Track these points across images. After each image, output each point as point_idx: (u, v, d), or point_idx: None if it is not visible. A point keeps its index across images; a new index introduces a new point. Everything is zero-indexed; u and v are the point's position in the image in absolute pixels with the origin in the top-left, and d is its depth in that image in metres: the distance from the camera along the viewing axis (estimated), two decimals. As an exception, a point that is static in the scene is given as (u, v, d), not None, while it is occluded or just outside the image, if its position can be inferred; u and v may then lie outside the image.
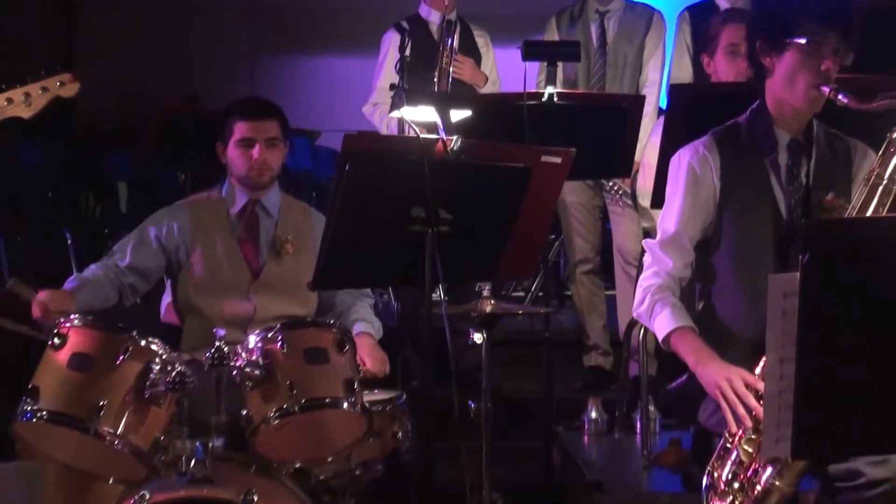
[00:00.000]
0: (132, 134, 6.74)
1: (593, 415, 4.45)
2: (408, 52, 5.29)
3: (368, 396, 3.26)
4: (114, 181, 7.67)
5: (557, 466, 4.30)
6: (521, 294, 6.82)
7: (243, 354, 3.08)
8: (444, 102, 3.28)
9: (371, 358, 3.57)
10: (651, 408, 4.09)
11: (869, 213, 2.69)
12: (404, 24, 5.35)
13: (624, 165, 4.37)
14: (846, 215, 2.77)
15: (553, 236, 6.27)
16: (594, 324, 5.27)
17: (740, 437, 2.67)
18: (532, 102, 4.04)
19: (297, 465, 3.21)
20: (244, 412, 3.07)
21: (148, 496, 2.87)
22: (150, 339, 3.00)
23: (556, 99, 4.11)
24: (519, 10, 8.05)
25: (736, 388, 2.67)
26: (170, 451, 2.99)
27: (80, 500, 3.19)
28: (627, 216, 5.04)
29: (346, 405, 3.09)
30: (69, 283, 3.53)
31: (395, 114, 3.88)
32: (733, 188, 2.95)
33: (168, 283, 3.79)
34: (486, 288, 3.35)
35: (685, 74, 5.08)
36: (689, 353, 2.83)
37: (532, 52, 4.42)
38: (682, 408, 3.08)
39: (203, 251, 3.69)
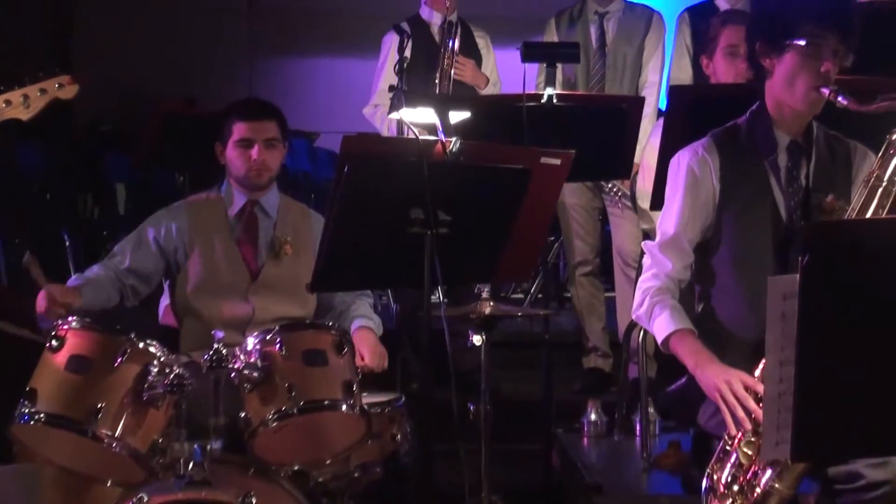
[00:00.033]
0: (131, 135, 6.74)
1: (593, 417, 4.45)
2: (408, 54, 5.30)
3: (367, 398, 3.25)
4: (112, 183, 7.67)
5: (557, 468, 4.29)
6: (521, 296, 6.82)
7: (242, 356, 3.08)
8: (443, 104, 3.27)
9: (370, 353, 3.55)
10: (650, 410, 4.08)
11: (868, 215, 2.69)
12: (404, 25, 5.34)
13: (623, 167, 4.37)
14: (846, 217, 2.77)
15: (552, 238, 6.27)
16: (593, 326, 5.26)
17: (740, 440, 2.67)
18: (531, 104, 4.04)
19: (296, 468, 3.20)
20: (242, 414, 3.06)
21: (146, 499, 2.86)
22: (148, 342, 2.99)
23: (555, 100, 4.11)
24: (518, 12, 8.06)
25: (735, 390, 2.67)
26: (168, 454, 2.98)
27: (78, 502, 3.18)
28: (627, 218, 5.03)
29: (344, 407, 3.08)
30: (72, 282, 3.53)
31: (394, 115, 3.88)
32: (733, 190, 2.94)
33: (166, 285, 3.78)
34: (486, 290, 3.35)
35: (685, 76, 5.08)
36: (688, 356, 2.82)
37: (531, 53, 4.42)
38: (682, 410, 3.07)
39: (202, 252, 3.68)
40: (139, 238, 3.70)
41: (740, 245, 2.94)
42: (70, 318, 3.04)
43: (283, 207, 3.81)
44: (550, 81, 4.29)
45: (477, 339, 3.31)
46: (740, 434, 2.67)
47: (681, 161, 3.01)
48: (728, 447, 2.69)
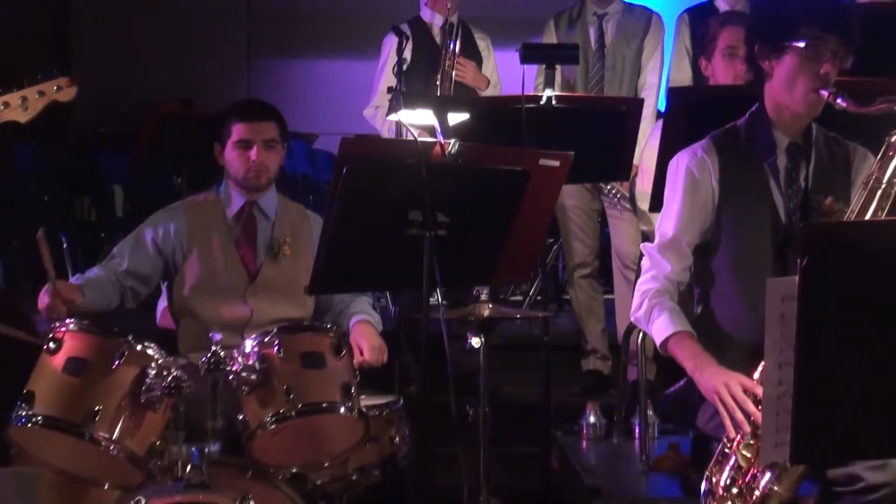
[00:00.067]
0: (129, 137, 6.73)
1: (592, 419, 4.44)
2: (408, 56, 5.31)
3: (365, 401, 3.24)
4: (110, 185, 7.66)
5: (556, 471, 4.29)
6: (520, 298, 6.81)
7: (240, 359, 3.07)
8: (441, 105, 3.27)
9: (368, 347, 3.54)
10: (650, 412, 4.08)
11: (868, 217, 2.69)
12: (404, 27, 5.34)
13: (622, 169, 4.37)
14: (845, 219, 2.76)
15: (551, 240, 6.26)
16: (593, 328, 5.26)
17: (739, 442, 2.66)
18: (530, 105, 4.03)
19: (294, 471, 3.20)
20: (241, 417, 3.06)
21: (144, 501, 2.86)
22: (145, 344, 2.99)
23: (554, 102, 4.10)
24: (518, 13, 8.05)
25: (734, 393, 2.66)
26: (166, 456, 2.97)
27: (76, 505, 3.18)
28: (626, 220, 5.03)
29: (342, 410, 3.08)
30: (73, 282, 3.52)
31: (393, 117, 3.88)
32: (732, 192, 2.94)
33: (164, 287, 3.77)
34: (484, 292, 3.35)
35: (684, 77, 5.08)
36: (686, 358, 2.82)
37: (530, 54, 4.41)
38: (681, 412, 3.07)
39: (200, 253, 3.67)
40: (137, 239, 3.70)
41: (739, 247, 2.93)
42: (68, 321, 3.04)
43: (281, 209, 3.80)
44: (549, 83, 4.29)
45: (476, 342, 3.30)
46: (739, 436, 2.66)
47: (680, 163, 3.00)
48: (727, 450, 2.69)
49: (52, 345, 2.96)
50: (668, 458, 3.90)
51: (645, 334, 3.52)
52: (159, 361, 2.98)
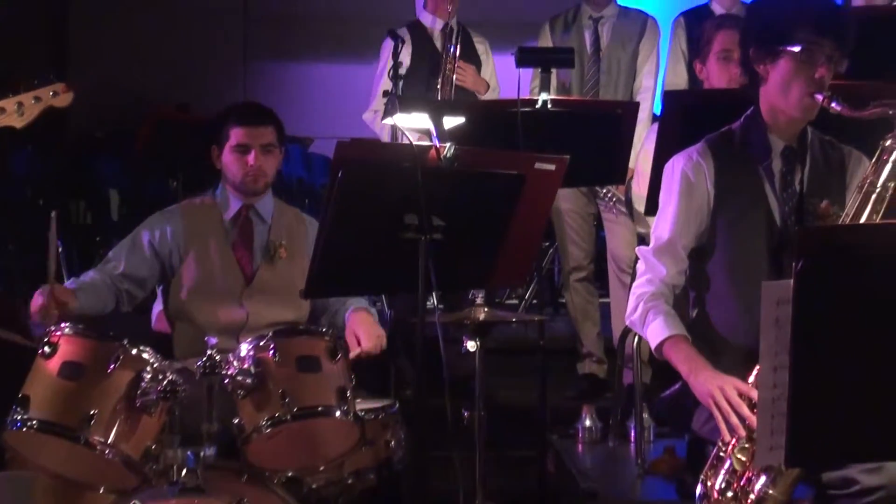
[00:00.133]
0: (124, 141, 6.73)
1: (587, 423, 4.44)
2: (407, 60, 5.32)
3: (361, 405, 3.24)
4: (105, 189, 7.66)
5: (551, 475, 4.28)
6: (515, 302, 6.81)
7: (235, 363, 3.07)
8: (437, 109, 3.27)
9: (365, 335, 3.53)
10: (645, 416, 4.09)
11: (862, 221, 2.69)
12: (402, 31, 5.35)
13: (618, 172, 4.37)
14: (840, 223, 2.76)
15: (547, 244, 6.26)
16: (588, 331, 5.26)
17: (734, 446, 2.66)
18: (526, 109, 4.03)
19: (290, 474, 3.20)
20: (236, 421, 3.05)
21: (139, 505, 2.86)
22: (141, 348, 2.99)
23: (549, 106, 4.10)
24: (513, 17, 8.06)
25: (729, 396, 2.67)
26: (161, 460, 2.97)
27: (71, 509, 3.17)
28: (621, 223, 5.03)
29: (338, 414, 3.08)
30: (68, 286, 3.52)
31: (388, 121, 3.88)
32: (727, 195, 2.94)
33: (160, 291, 3.77)
34: (480, 295, 3.34)
35: (680, 81, 5.09)
36: (681, 362, 2.82)
37: (526, 58, 4.41)
38: (677, 416, 3.07)
39: (196, 256, 3.67)
40: (134, 242, 3.69)
41: (735, 250, 2.93)
42: (63, 325, 3.03)
43: (277, 212, 3.80)
44: (545, 86, 4.29)
45: (471, 345, 3.30)
46: (734, 440, 2.66)
47: (675, 166, 3.01)
48: (722, 453, 2.69)
49: (47, 349, 2.95)
50: (663, 462, 3.90)
51: (641, 338, 3.52)
52: (154, 365, 2.97)
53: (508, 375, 5.02)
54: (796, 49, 2.82)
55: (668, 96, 4.39)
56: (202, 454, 2.91)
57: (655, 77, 5.28)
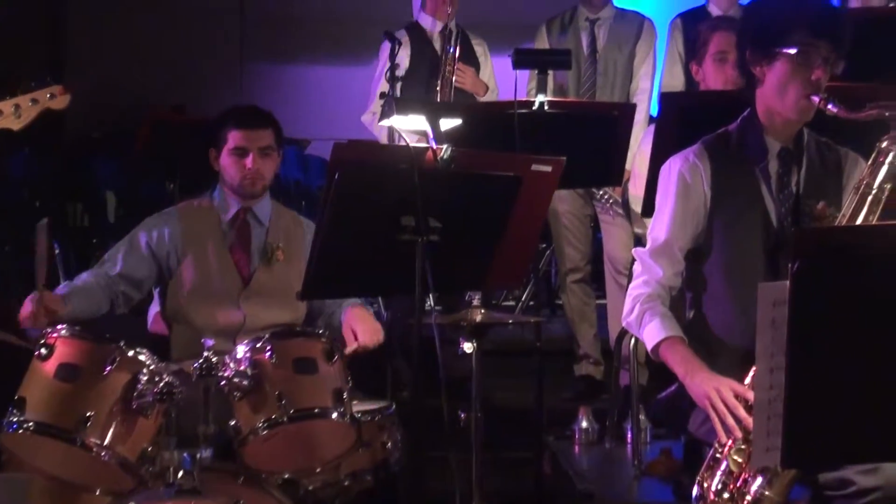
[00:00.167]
0: (121, 142, 6.72)
1: (584, 424, 4.44)
2: (406, 62, 5.32)
3: (357, 406, 3.24)
4: (102, 190, 7.65)
5: (548, 476, 4.28)
6: (512, 303, 6.81)
7: (231, 364, 3.07)
8: (434, 111, 3.27)
9: (362, 329, 3.53)
10: (642, 417, 4.08)
11: (859, 222, 2.69)
12: (400, 33, 5.35)
13: (614, 174, 4.37)
14: (836, 224, 2.77)
15: (544, 245, 6.26)
16: (585, 333, 5.26)
17: (730, 447, 2.66)
18: (523, 111, 4.03)
19: (286, 476, 3.20)
20: (232, 422, 3.05)
21: (135, 507, 2.86)
22: (137, 350, 2.99)
23: (546, 107, 4.10)
24: (511, 18, 8.05)
25: (725, 398, 2.67)
26: (157, 462, 2.97)
27: (67, 511, 3.17)
28: (618, 225, 5.03)
29: (334, 415, 3.08)
30: (60, 290, 3.51)
31: (385, 122, 3.88)
32: (724, 196, 2.94)
33: (156, 292, 3.77)
34: (477, 297, 3.34)
35: (677, 82, 5.09)
36: (678, 364, 2.82)
37: (523, 60, 4.42)
38: (673, 417, 3.07)
39: (194, 258, 3.67)
40: (131, 244, 3.69)
41: (731, 252, 2.94)
42: (59, 326, 3.03)
43: (275, 214, 3.80)
44: (542, 88, 4.30)
45: (468, 347, 3.30)
46: (731, 442, 2.66)
47: (672, 168, 3.01)
48: (718, 455, 2.69)
49: (43, 350, 2.95)
50: (660, 463, 3.90)
51: (637, 339, 3.51)
52: (151, 367, 2.97)
53: (505, 377, 5.02)
54: (792, 51, 2.82)
55: (665, 98, 4.39)
56: (198, 456, 2.91)
57: (652, 79, 5.29)
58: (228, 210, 3.75)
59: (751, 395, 2.60)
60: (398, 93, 5.09)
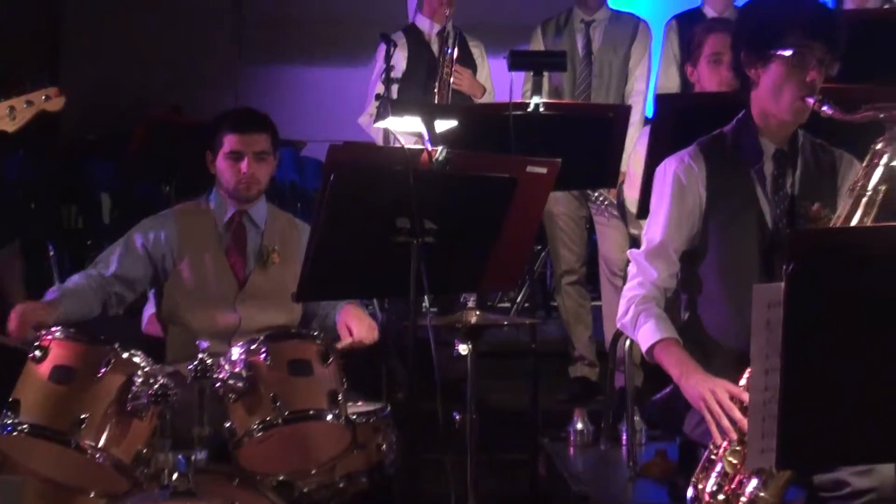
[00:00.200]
0: (116, 144, 6.71)
1: (579, 426, 4.44)
2: (404, 63, 5.32)
3: (352, 408, 3.24)
4: (97, 192, 7.64)
5: (543, 478, 4.28)
6: (507, 305, 6.81)
7: (226, 366, 3.07)
8: (429, 113, 3.27)
9: (357, 325, 3.52)
10: (637, 419, 4.08)
11: (853, 224, 2.70)
12: (397, 35, 5.35)
13: (610, 176, 4.37)
14: (831, 225, 2.77)
15: (539, 247, 6.26)
16: (580, 335, 5.26)
17: (725, 449, 2.66)
18: (518, 112, 4.03)
19: (281, 478, 3.19)
20: (227, 424, 3.05)
21: (130, 509, 2.85)
22: (132, 352, 2.98)
23: (541, 109, 4.10)
24: (508, 19, 8.06)
25: (720, 399, 2.67)
26: (152, 464, 2.97)
27: (62, 513, 3.16)
28: (613, 226, 5.03)
29: (329, 417, 3.07)
30: (50, 294, 3.49)
31: (380, 124, 3.88)
32: (719, 198, 2.95)
33: (151, 294, 3.76)
34: (472, 299, 3.34)
35: (672, 84, 5.10)
36: (672, 365, 2.82)
37: (518, 62, 4.42)
38: (668, 419, 3.07)
39: (191, 261, 3.67)
40: (126, 245, 3.68)
41: (726, 253, 2.94)
42: (54, 329, 3.02)
43: (270, 218, 3.80)
44: (537, 90, 4.29)
45: (463, 349, 3.30)
46: (726, 443, 2.66)
47: (667, 169, 3.01)
48: (713, 456, 2.69)
49: (37, 353, 2.95)
50: (655, 465, 3.90)
51: (632, 341, 3.52)
52: (146, 369, 2.97)
53: (500, 379, 5.02)
54: (787, 53, 2.82)
55: (660, 100, 4.39)
56: (193, 458, 2.91)
57: (647, 80, 5.29)
58: (224, 213, 3.75)
59: (746, 397, 2.60)
60: (394, 95, 5.09)
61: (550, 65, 4.69)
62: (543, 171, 3.15)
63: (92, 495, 3.08)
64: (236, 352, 3.10)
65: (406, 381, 3.48)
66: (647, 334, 2.88)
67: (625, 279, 3.09)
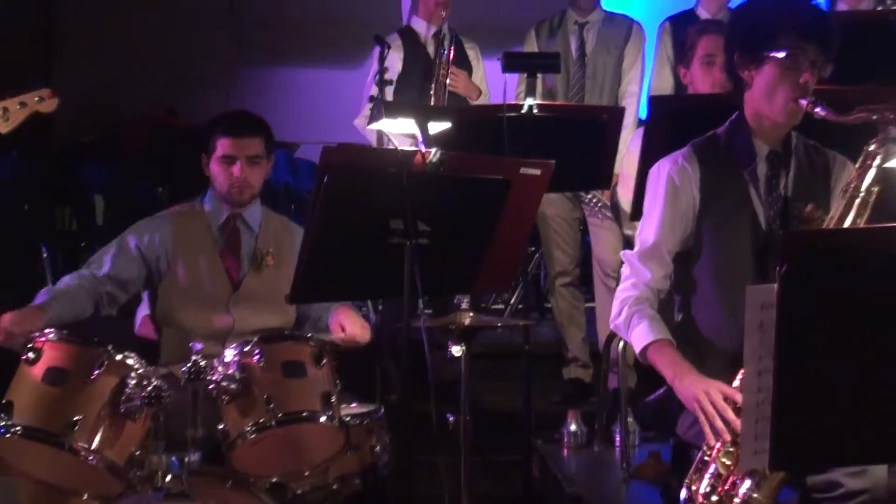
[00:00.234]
0: (111, 146, 6.71)
1: (573, 427, 4.44)
2: (399, 65, 5.31)
3: (346, 410, 3.24)
4: (91, 194, 7.63)
5: (536, 479, 4.28)
6: (501, 307, 6.81)
7: (220, 368, 3.06)
8: (423, 114, 3.27)
9: (350, 323, 3.52)
10: (630, 420, 4.08)
11: (846, 225, 2.70)
12: (392, 36, 5.35)
13: (603, 177, 4.38)
14: (824, 227, 2.78)
15: (532, 248, 6.27)
16: (574, 336, 5.26)
17: (718, 450, 2.67)
18: (512, 114, 4.04)
19: (274, 480, 3.19)
20: (221, 426, 3.05)
21: (123, 511, 2.85)
22: (125, 354, 2.98)
23: (535, 111, 4.11)
24: (500, 21, 8.06)
25: (714, 400, 2.67)
26: (145, 466, 2.96)
27: (55, 515, 3.15)
28: (607, 228, 5.04)
29: (323, 419, 3.07)
30: (40, 297, 3.47)
31: (374, 126, 3.88)
32: (713, 199, 2.95)
33: (145, 296, 3.76)
34: (466, 300, 3.34)
35: (666, 85, 5.10)
36: (666, 367, 2.82)
37: (512, 63, 4.42)
38: (662, 420, 3.07)
39: (185, 263, 3.67)
40: (120, 246, 3.68)
41: (720, 254, 2.94)
42: (47, 331, 3.01)
43: (265, 220, 3.80)
44: (531, 92, 4.30)
45: (457, 350, 3.30)
46: (719, 444, 2.67)
47: (661, 170, 3.01)
48: (707, 457, 2.69)
49: (31, 354, 2.94)
50: (648, 466, 3.90)
51: (626, 342, 3.52)
52: (139, 371, 2.96)
53: (494, 380, 5.02)
54: (781, 55, 2.83)
55: (654, 101, 4.40)
56: (187, 460, 2.90)
57: (641, 82, 5.30)
58: (219, 215, 3.75)
59: (739, 398, 2.61)
60: (388, 96, 5.09)
61: (544, 66, 4.69)
62: (537, 172, 3.15)
63: (85, 497, 3.07)
64: (230, 353, 3.10)
65: (400, 382, 3.48)
66: (640, 335, 2.88)
67: (618, 280, 3.09)
